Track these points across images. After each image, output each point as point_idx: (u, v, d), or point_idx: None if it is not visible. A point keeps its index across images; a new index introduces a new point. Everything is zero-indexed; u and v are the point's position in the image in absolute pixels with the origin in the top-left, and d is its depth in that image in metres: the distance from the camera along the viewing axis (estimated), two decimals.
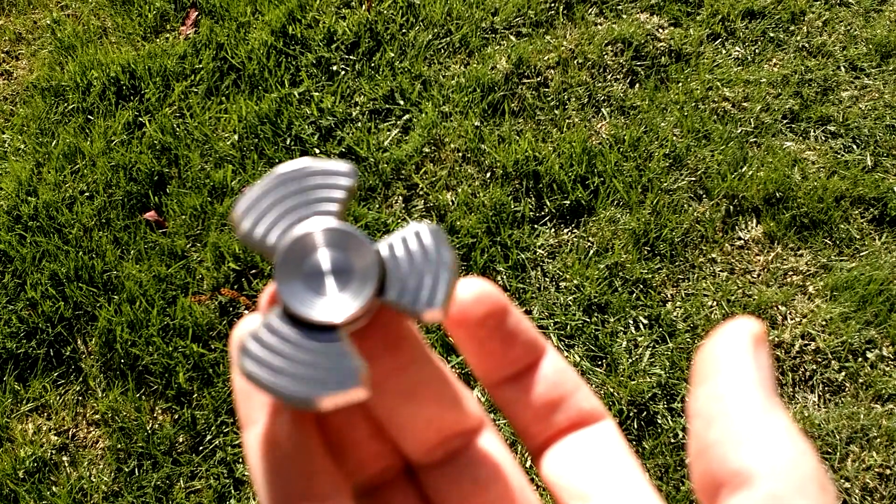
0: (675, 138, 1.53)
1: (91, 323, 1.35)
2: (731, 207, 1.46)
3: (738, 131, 1.54)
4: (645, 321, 1.34)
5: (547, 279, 1.39)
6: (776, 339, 1.33)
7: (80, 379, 1.31)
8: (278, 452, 0.23)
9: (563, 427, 0.25)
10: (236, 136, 1.54)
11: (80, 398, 1.29)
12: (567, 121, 1.56)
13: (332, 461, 0.24)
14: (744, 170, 1.49)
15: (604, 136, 1.54)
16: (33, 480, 1.21)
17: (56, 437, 1.26)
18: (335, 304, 0.23)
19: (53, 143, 1.57)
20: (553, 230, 1.44)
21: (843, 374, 1.30)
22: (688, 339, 1.32)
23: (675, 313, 1.35)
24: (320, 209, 0.23)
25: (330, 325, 0.22)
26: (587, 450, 0.25)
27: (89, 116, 1.60)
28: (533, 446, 0.26)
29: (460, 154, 1.52)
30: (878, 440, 1.25)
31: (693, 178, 1.49)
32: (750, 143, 1.53)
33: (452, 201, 1.47)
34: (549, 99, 1.59)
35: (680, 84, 1.60)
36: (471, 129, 1.53)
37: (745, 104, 1.59)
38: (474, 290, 0.25)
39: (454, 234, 1.43)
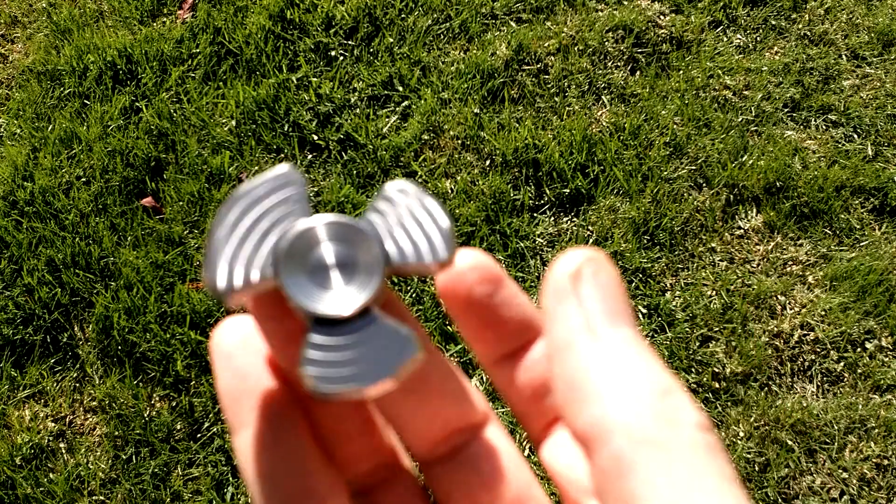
0: (675, 126, 1.52)
1: (88, 309, 1.34)
2: (731, 196, 1.45)
3: (739, 120, 1.53)
4: (644, 311, 1.34)
5: (546, 268, 1.38)
6: (775, 328, 1.33)
7: (77, 366, 1.30)
8: (272, 455, 0.22)
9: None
10: (234, 122, 1.53)
11: (78, 385, 1.29)
12: (567, 108, 1.55)
13: (326, 461, 0.23)
14: (744, 159, 1.48)
15: (604, 123, 1.53)
16: (30, 467, 1.21)
17: (53, 424, 1.25)
18: (344, 296, 0.22)
19: (49, 128, 1.56)
20: (552, 219, 1.43)
21: (842, 364, 1.30)
22: (686, 329, 1.32)
23: (673, 303, 1.34)
24: (287, 225, 0.23)
25: (362, 310, 0.22)
26: None
27: (86, 101, 1.59)
28: (533, 432, 0.25)
29: (459, 141, 1.52)
30: (877, 430, 1.25)
31: (693, 167, 1.48)
32: (751, 131, 1.53)
33: (451, 189, 1.46)
34: (549, 86, 1.58)
35: (681, 72, 1.59)
36: (470, 116, 1.52)
37: (746, 92, 1.58)
38: (469, 259, 0.24)
39: (453, 223, 1.42)
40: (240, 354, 0.23)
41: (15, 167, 1.49)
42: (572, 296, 0.20)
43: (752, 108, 1.55)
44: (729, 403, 1.27)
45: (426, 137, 1.52)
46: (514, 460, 0.24)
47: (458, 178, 1.47)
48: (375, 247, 0.23)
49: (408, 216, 0.23)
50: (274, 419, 0.22)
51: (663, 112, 1.53)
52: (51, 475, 1.21)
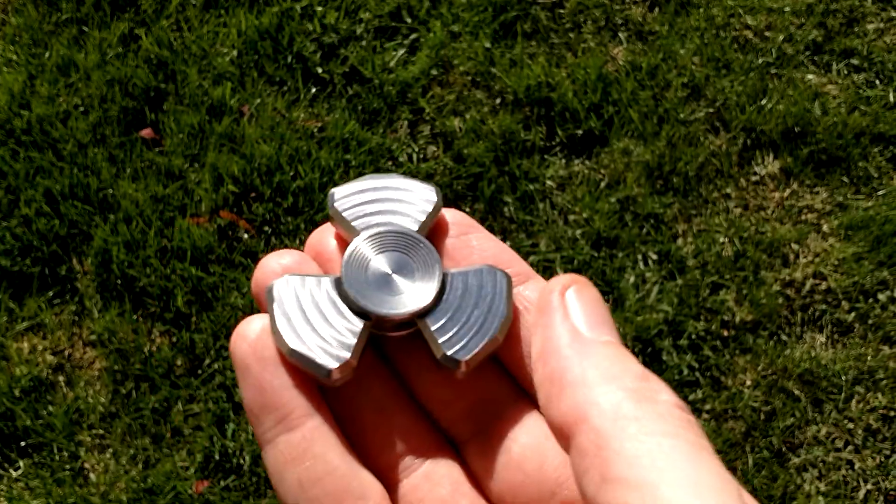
0: (693, 67, 1.47)
1: (86, 242, 1.32)
2: (749, 141, 1.41)
3: (760, 62, 1.48)
4: (654, 257, 1.31)
5: (555, 212, 1.35)
6: (787, 277, 1.31)
7: (76, 299, 1.28)
8: (299, 467, 0.22)
9: None
10: (235, 52, 1.48)
11: (76, 318, 1.27)
12: (582, 45, 1.50)
13: (357, 461, 0.23)
14: (763, 102, 1.44)
15: (620, 62, 1.48)
16: (29, 399, 1.20)
17: (52, 357, 1.24)
18: (386, 301, 0.24)
19: (47, 55, 1.51)
20: (564, 161, 1.40)
21: (853, 314, 1.29)
22: (697, 276, 1.29)
23: (685, 249, 1.32)
24: (407, 216, 0.25)
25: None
26: None
27: (83, 27, 1.54)
28: (531, 394, 0.25)
29: (469, 78, 1.47)
30: (885, 382, 1.24)
31: (711, 110, 1.43)
32: (771, 74, 1.48)
33: (460, 128, 1.42)
34: (564, 21, 1.52)
35: (701, 9, 1.53)
36: (481, 51, 1.47)
37: (767, 33, 1.52)
38: (447, 212, 0.26)
39: (461, 163, 1.38)
40: (254, 365, 0.23)
41: (11, 95, 1.45)
42: (559, 309, 0.22)
43: (773, 49, 1.50)
44: (737, 352, 1.25)
45: (435, 73, 1.47)
46: (542, 439, 0.24)
47: (468, 116, 1.42)
48: (437, 274, 0.25)
49: (472, 307, 0.24)
50: (297, 430, 0.23)
51: (682, 51, 1.48)
52: (50, 408, 1.20)
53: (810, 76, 1.48)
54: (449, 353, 0.23)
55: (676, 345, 1.24)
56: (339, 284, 0.24)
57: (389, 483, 0.24)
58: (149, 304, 1.27)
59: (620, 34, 1.51)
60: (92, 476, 1.16)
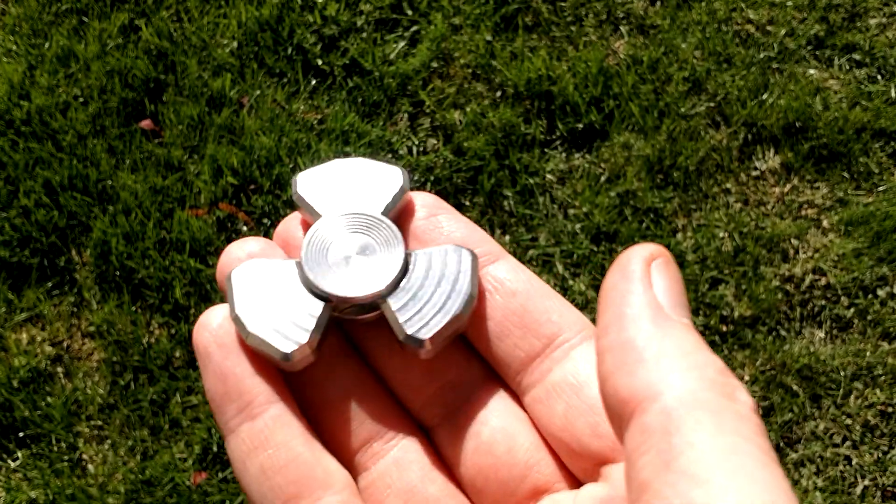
0: (695, 61, 1.46)
1: (85, 233, 1.32)
2: (750, 136, 1.41)
3: (761, 56, 1.48)
4: None
5: (555, 206, 1.35)
6: (787, 272, 1.30)
7: (75, 290, 1.28)
8: (262, 455, 0.22)
9: (536, 350, 0.24)
10: (235, 44, 1.47)
11: (75, 309, 1.27)
12: (584, 38, 1.49)
13: (322, 447, 0.23)
14: (764, 97, 1.43)
15: (621, 56, 1.48)
16: (28, 390, 1.20)
17: (50, 348, 1.24)
18: (346, 284, 0.24)
19: (46, 45, 1.50)
20: (564, 154, 1.39)
21: (853, 310, 1.28)
22: (697, 271, 1.29)
23: (685, 244, 1.31)
24: (372, 199, 0.25)
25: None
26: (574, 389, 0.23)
27: (83, 18, 1.53)
28: (509, 378, 0.24)
29: (470, 70, 1.46)
30: (883, 378, 1.24)
31: (712, 104, 1.43)
32: (772, 69, 1.47)
33: (460, 121, 1.41)
34: (565, 14, 1.52)
35: (703, 3, 1.52)
36: (482, 43, 1.47)
37: (769, 28, 1.52)
38: (416, 195, 0.26)
39: (461, 156, 1.38)
40: (215, 354, 0.23)
41: (11, 85, 1.45)
42: (642, 279, 0.20)
43: (775, 44, 1.49)
44: (736, 347, 1.25)
45: (435, 65, 1.46)
46: (515, 420, 0.24)
47: (468, 109, 1.42)
48: (399, 256, 0.24)
49: (434, 285, 0.24)
50: (259, 418, 0.22)
51: (683, 45, 1.48)
52: (48, 399, 1.20)
53: (812, 71, 1.47)
54: (411, 332, 0.23)
55: None
56: (299, 268, 0.24)
57: (357, 470, 0.23)
58: (147, 295, 1.27)
59: (622, 28, 1.51)
60: (90, 467, 1.17)
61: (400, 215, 0.26)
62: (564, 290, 1.28)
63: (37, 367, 1.22)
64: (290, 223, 0.26)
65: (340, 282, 0.24)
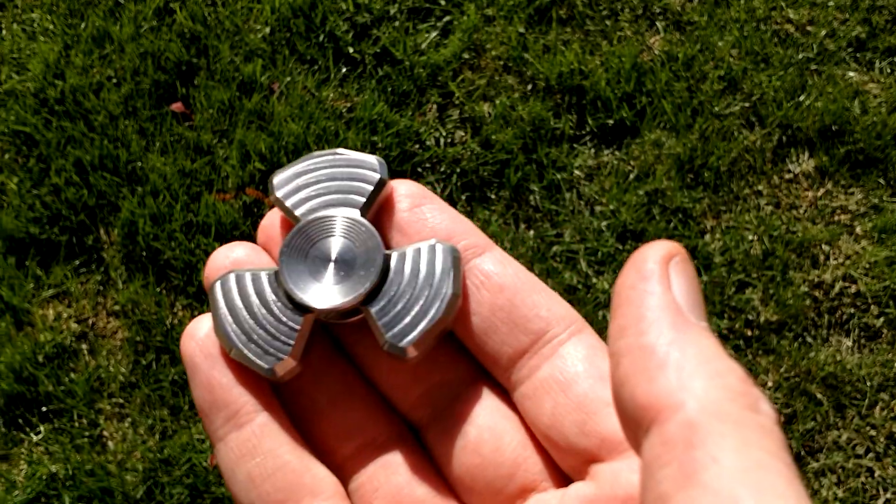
0: (731, 60, 1.44)
1: (114, 213, 1.33)
2: (784, 138, 1.38)
3: (800, 57, 1.45)
4: None
5: (582, 202, 1.34)
6: (816, 278, 1.28)
7: (102, 269, 1.30)
8: (251, 463, 0.22)
9: (524, 346, 0.23)
10: (268, 29, 1.47)
11: (101, 288, 1.29)
12: (618, 33, 1.47)
13: (310, 454, 0.22)
14: (801, 98, 1.40)
15: (656, 52, 1.45)
16: (52, 366, 1.22)
17: (76, 325, 1.26)
18: (325, 293, 0.23)
19: (83, 26, 1.52)
20: (593, 150, 1.38)
21: (882, 319, 1.26)
22: (724, 274, 1.27)
23: (712, 246, 1.30)
24: (350, 196, 0.24)
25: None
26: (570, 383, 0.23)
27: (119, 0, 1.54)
28: (498, 374, 0.24)
29: (501, 63, 1.45)
30: None
31: (747, 104, 1.40)
32: (810, 70, 1.44)
33: (489, 113, 1.40)
34: (600, 7, 1.50)
35: (742, 1, 1.49)
36: (515, 35, 1.45)
37: (809, 28, 1.48)
38: (400, 184, 0.25)
39: (488, 149, 1.37)
40: (202, 364, 0.23)
41: (46, 64, 1.46)
42: (662, 279, 0.19)
43: (814, 45, 1.46)
44: (760, 352, 1.23)
45: (466, 56, 1.45)
46: (503, 420, 0.24)
47: (497, 101, 1.41)
48: (378, 260, 0.24)
49: (416, 287, 0.23)
50: (246, 427, 0.22)
51: (720, 43, 1.45)
52: (72, 375, 1.22)
53: (851, 73, 1.44)
54: (392, 339, 0.23)
55: None
56: (278, 279, 0.24)
57: (346, 474, 0.23)
58: (172, 277, 1.28)
59: (658, 23, 1.48)
60: (110, 444, 1.18)
61: (381, 207, 0.25)
62: (587, 289, 1.27)
63: (62, 343, 1.23)
64: (273, 220, 0.26)
65: (319, 292, 0.23)
